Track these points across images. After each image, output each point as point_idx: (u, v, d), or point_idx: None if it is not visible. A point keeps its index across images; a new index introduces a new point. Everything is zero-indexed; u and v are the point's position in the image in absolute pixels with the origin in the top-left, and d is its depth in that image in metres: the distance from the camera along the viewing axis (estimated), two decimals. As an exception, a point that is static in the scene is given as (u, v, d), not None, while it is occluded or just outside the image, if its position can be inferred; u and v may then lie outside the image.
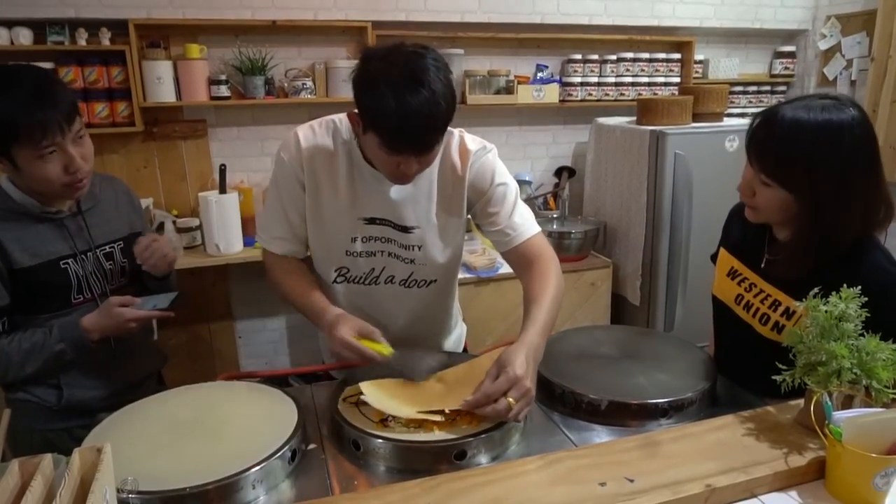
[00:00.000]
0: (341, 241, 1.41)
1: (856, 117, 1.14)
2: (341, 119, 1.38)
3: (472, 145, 1.40)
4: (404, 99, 1.11)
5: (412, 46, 1.19)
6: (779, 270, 1.27)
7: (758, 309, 1.30)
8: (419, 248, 1.42)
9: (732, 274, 1.39)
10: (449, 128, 1.35)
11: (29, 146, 1.23)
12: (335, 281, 1.47)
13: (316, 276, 1.51)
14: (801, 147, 1.14)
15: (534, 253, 1.40)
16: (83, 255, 1.38)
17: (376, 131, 1.17)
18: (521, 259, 1.42)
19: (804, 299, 1.08)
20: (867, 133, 1.16)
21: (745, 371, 1.31)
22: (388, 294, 1.48)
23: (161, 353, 1.65)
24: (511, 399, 1.06)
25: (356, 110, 1.22)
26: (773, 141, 1.17)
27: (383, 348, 1.23)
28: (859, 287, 1.04)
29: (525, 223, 1.42)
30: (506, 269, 2.89)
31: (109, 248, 1.44)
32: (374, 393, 1.15)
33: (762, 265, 1.32)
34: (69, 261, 1.36)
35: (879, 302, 1.08)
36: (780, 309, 1.26)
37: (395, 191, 1.37)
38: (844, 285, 1.05)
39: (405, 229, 1.40)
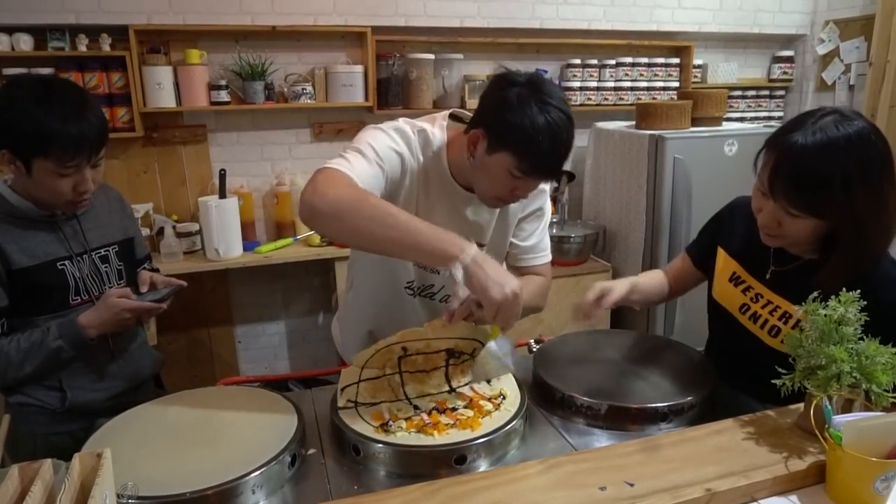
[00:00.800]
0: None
1: (867, 126, 1.11)
2: (429, 128, 1.33)
3: None
4: (554, 122, 1.15)
5: (539, 77, 1.21)
6: (796, 279, 1.23)
7: (766, 320, 1.28)
8: None
9: (735, 280, 1.36)
10: None
11: (54, 162, 1.25)
12: (405, 287, 1.47)
13: (380, 280, 1.47)
14: (835, 171, 1.09)
15: (537, 272, 1.53)
16: (79, 258, 1.39)
17: (517, 152, 1.17)
18: (526, 272, 1.52)
19: (804, 303, 1.08)
20: (883, 138, 1.14)
21: (744, 378, 1.30)
22: (423, 307, 1.49)
23: (158, 355, 1.65)
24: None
25: (478, 129, 1.21)
26: (803, 177, 1.11)
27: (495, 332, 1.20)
28: (873, 298, 1.04)
29: (546, 250, 1.54)
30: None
31: (105, 251, 1.45)
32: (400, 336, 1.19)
33: (767, 276, 1.30)
34: (66, 262, 1.37)
35: (892, 313, 1.08)
36: (792, 321, 1.24)
37: (473, 211, 1.38)
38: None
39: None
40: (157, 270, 1.64)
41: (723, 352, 1.45)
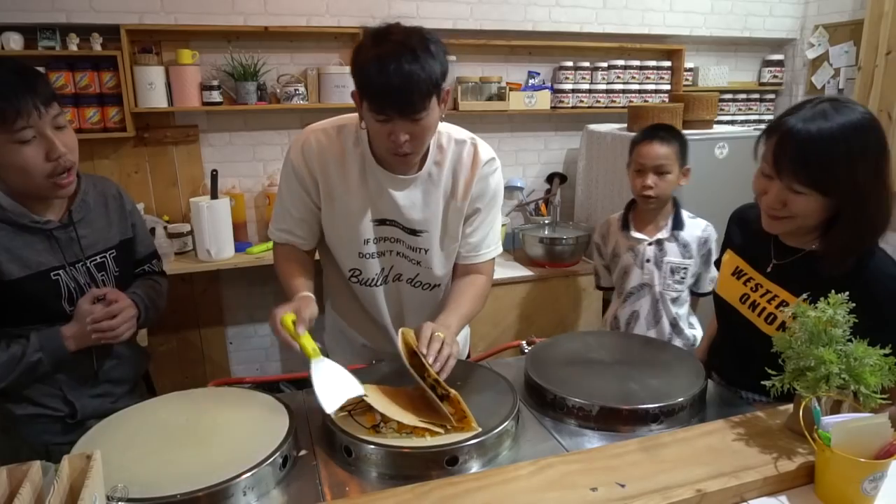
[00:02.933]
0: (355, 243, 1.45)
1: (867, 112, 1.17)
2: (350, 120, 1.41)
3: (483, 155, 1.44)
4: (390, 61, 1.18)
5: (410, 26, 1.27)
6: (797, 270, 1.27)
7: (764, 308, 1.31)
8: (426, 251, 1.46)
9: (738, 273, 1.40)
10: (461, 133, 1.44)
11: (3, 130, 1.18)
12: (349, 280, 1.52)
13: (332, 275, 1.58)
14: (839, 149, 1.13)
15: (478, 270, 1.53)
16: (73, 266, 1.35)
17: (366, 96, 1.23)
18: (465, 270, 1.53)
19: (805, 295, 1.09)
20: (876, 120, 1.19)
21: (744, 369, 1.32)
22: (396, 292, 1.53)
23: (144, 350, 1.62)
24: (438, 333, 1.22)
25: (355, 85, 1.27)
26: (807, 151, 1.15)
27: (310, 349, 1.19)
28: (867, 292, 1.05)
29: (490, 247, 1.53)
30: (497, 274, 2.88)
31: (101, 258, 1.41)
32: (377, 398, 1.15)
33: (768, 270, 1.33)
34: (60, 272, 1.32)
35: (886, 307, 1.09)
36: (788, 310, 1.26)
37: (404, 195, 1.40)
38: (846, 292, 1.06)
39: (413, 232, 1.44)
40: (161, 273, 1.61)
41: (725, 346, 1.48)
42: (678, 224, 1.98)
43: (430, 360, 1.18)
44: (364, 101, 1.25)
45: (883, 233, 1.21)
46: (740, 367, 1.37)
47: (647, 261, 1.98)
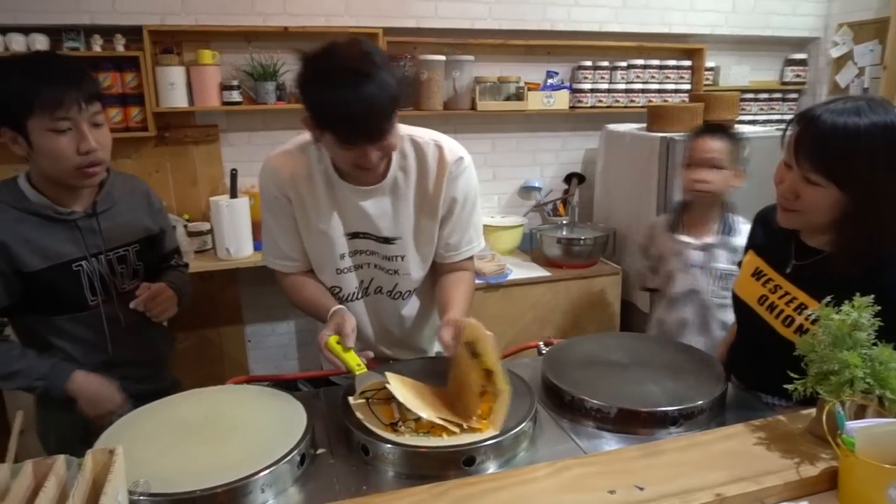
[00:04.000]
0: (331, 259, 1.44)
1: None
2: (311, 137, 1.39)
3: (449, 156, 1.42)
4: (346, 90, 1.15)
5: (346, 41, 1.22)
6: (816, 272, 1.25)
7: (782, 311, 1.29)
8: (402, 258, 1.46)
9: (757, 274, 1.38)
10: (422, 135, 1.41)
11: (43, 116, 1.23)
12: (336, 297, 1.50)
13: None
14: (862, 144, 1.11)
15: (462, 267, 1.51)
16: (95, 258, 1.38)
17: (329, 128, 1.20)
18: (448, 268, 1.51)
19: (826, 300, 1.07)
20: None
21: (761, 372, 1.30)
22: (377, 305, 1.52)
23: (168, 331, 1.66)
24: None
25: (308, 115, 1.24)
26: (828, 139, 1.13)
27: (354, 364, 1.24)
28: (885, 297, 1.04)
29: (472, 243, 1.51)
30: (515, 275, 2.89)
31: (123, 251, 1.44)
32: (399, 387, 1.15)
33: (788, 270, 1.31)
34: (81, 263, 1.36)
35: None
36: (806, 312, 1.24)
37: (373, 204, 1.39)
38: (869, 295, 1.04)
39: (387, 240, 1.43)
40: (185, 266, 1.65)
41: (743, 347, 1.46)
42: (728, 229, 1.90)
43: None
44: (325, 131, 1.22)
45: (885, 251, 1.18)
46: (756, 369, 1.35)
47: (694, 266, 1.92)
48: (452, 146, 1.44)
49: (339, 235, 1.42)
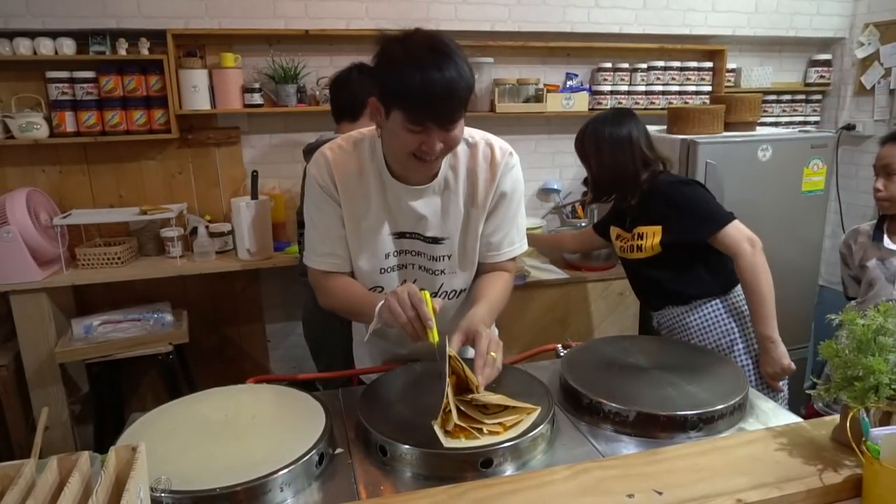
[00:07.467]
0: (377, 258, 1.43)
1: None
2: (365, 134, 1.39)
3: (500, 152, 1.41)
4: (431, 70, 1.15)
5: (426, 31, 1.23)
6: None
7: None
8: (448, 257, 1.44)
9: None
10: (472, 134, 1.40)
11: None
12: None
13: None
14: None
15: (502, 268, 1.49)
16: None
17: (401, 106, 1.19)
18: (489, 268, 1.49)
19: None
20: None
21: None
22: None
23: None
24: (493, 353, 1.22)
25: (379, 95, 1.24)
26: None
27: (436, 331, 1.22)
28: None
29: (514, 244, 1.49)
30: (533, 276, 2.88)
31: None
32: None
33: None
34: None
35: None
36: None
37: (423, 204, 1.38)
38: None
39: (434, 240, 1.42)
40: None
41: None
42: None
43: (480, 379, 1.18)
44: (396, 110, 1.20)
45: None
46: None
47: None
48: (502, 144, 1.44)
49: (386, 234, 1.41)
